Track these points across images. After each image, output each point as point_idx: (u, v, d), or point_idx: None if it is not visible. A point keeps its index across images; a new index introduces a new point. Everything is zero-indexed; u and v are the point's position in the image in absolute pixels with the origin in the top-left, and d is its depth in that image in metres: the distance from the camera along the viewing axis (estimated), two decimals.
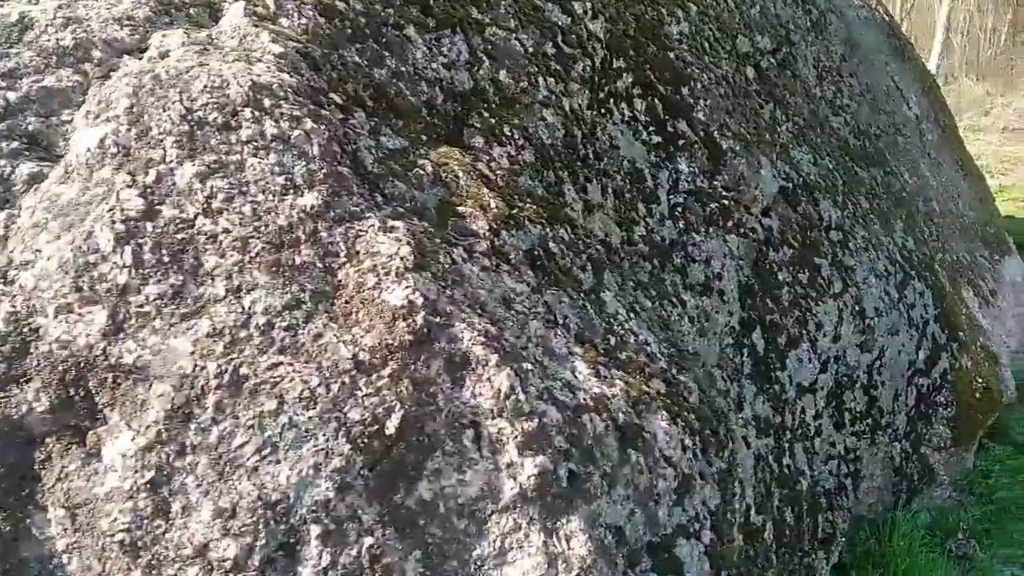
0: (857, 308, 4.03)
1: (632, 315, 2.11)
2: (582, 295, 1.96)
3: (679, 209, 2.95)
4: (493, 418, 1.36)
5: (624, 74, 2.97)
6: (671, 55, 3.29)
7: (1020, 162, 16.41)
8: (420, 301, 1.37)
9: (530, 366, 1.48)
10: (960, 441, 5.14)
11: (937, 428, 5.03)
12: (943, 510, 4.98)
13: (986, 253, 7.27)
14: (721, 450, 2.02)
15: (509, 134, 2.16)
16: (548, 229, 2.00)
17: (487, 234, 1.75)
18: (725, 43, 3.85)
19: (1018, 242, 10.04)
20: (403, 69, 1.97)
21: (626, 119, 2.92)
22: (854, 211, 4.48)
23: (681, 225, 2.92)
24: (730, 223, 3.17)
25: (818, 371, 3.59)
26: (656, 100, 3.09)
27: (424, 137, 1.90)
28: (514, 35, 2.37)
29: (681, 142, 3.12)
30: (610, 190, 2.64)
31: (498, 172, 2.02)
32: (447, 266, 1.52)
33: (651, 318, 2.32)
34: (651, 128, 3.02)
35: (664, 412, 1.76)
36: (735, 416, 2.78)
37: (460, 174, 1.86)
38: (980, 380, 5.27)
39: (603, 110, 2.80)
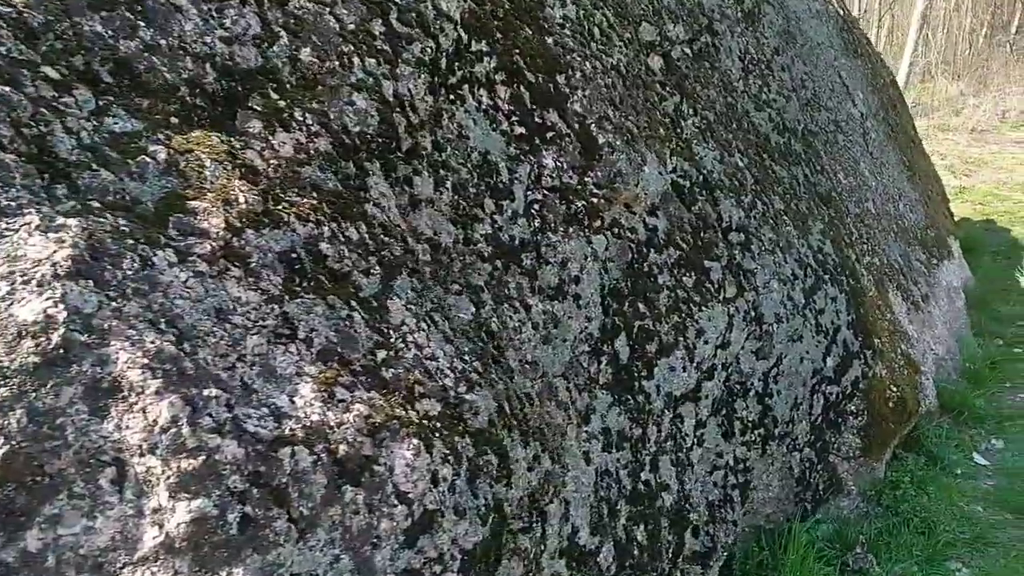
0: (753, 314, 3.87)
1: (427, 325, 1.91)
2: (356, 303, 1.76)
3: (537, 206, 2.75)
4: (142, 455, 1.16)
5: (486, 58, 2.76)
6: (548, 40, 3.07)
7: (984, 164, 16.37)
8: (63, 316, 1.17)
9: (215, 392, 1.28)
10: (871, 451, 5.02)
11: (847, 437, 4.90)
12: (848, 521, 4.86)
13: (923, 257, 7.15)
14: (505, 477, 1.84)
15: (301, 119, 1.94)
16: (326, 227, 1.80)
17: (221, 233, 1.54)
18: (623, 30, 3.64)
19: (967, 246, 9.96)
20: (162, 42, 1.74)
21: (483, 107, 2.70)
22: (764, 211, 4.30)
23: (536, 224, 2.72)
24: (599, 222, 2.98)
25: (699, 379, 3.43)
26: (523, 88, 2.87)
27: (174, 120, 1.68)
28: (329, 10, 2.15)
29: (550, 134, 2.91)
30: (449, 184, 2.44)
31: (272, 162, 1.81)
32: (131, 272, 1.31)
33: (463, 327, 2.13)
34: (514, 118, 2.80)
35: (414, 440, 1.57)
36: (576, 431, 2.61)
37: (208, 163, 1.64)
38: (895, 389, 5.14)
39: (452, 97, 2.59)
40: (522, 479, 1.98)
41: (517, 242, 2.62)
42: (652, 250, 3.30)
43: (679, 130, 3.86)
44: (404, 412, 1.62)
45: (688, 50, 4.30)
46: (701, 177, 3.83)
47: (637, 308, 3.09)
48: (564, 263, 2.76)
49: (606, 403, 2.81)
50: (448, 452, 1.66)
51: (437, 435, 1.67)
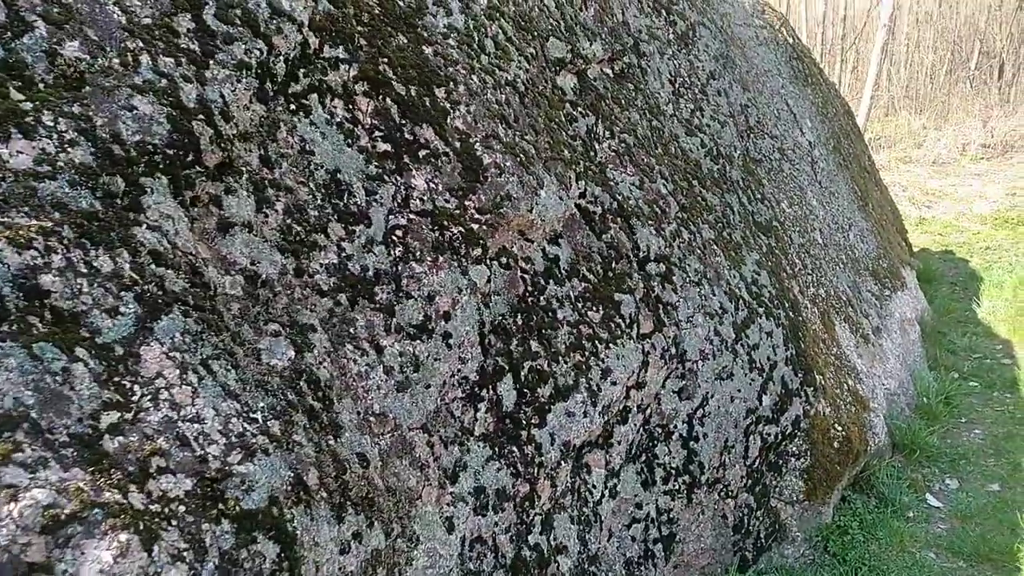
0: (675, 350, 3.51)
1: (198, 377, 1.53)
2: (86, 351, 1.37)
3: (400, 233, 2.38)
4: None
5: (343, 66, 2.40)
6: (427, 50, 2.73)
7: (944, 196, 16.29)
8: None
9: None
10: (816, 494, 4.64)
11: (789, 480, 4.53)
12: (793, 570, 4.48)
13: (875, 288, 6.85)
14: (287, 570, 1.45)
15: (52, 124, 1.57)
16: (58, 256, 1.42)
17: None
18: (526, 44, 3.32)
19: (926, 276, 9.72)
20: None
21: (337, 120, 2.35)
22: (691, 241, 3.97)
23: (398, 252, 2.34)
24: (479, 251, 2.62)
25: (607, 423, 3.05)
26: (391, 101, 2.52)
27: None
28: (113, 2, 1.79)
29: (423, 152, 2.55)
30: (279, 206, 2.07)
31: None
32: None
33: (267, 377, 1.74)
34: (377, 133, 2.45)
35: (122, 535, 1.18)
36: (438, 493, 2.22)
37: None
38: (840, 428, 4.79)
39: (294, 107, 2.23)
40: (327, 566, 1.59)
41: (371, 273, 2.25)
42: (551, 282, 2.94)
43: (592, 153, 3.52)
44: (119, 496, 1.23)
45: (608, 69, 3.99)
46: (615, 203, 3.49)
47: (529, 347, 2.72)
48: (431, 297, 2.38)
49: (482, 457, 2.42)
50: (185, 547, 1.27)
51: (171, 524, 1.27)
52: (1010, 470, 5.56)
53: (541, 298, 2.86)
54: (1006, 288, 9.10)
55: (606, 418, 3.03)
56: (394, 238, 2.35)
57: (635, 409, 3.26)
